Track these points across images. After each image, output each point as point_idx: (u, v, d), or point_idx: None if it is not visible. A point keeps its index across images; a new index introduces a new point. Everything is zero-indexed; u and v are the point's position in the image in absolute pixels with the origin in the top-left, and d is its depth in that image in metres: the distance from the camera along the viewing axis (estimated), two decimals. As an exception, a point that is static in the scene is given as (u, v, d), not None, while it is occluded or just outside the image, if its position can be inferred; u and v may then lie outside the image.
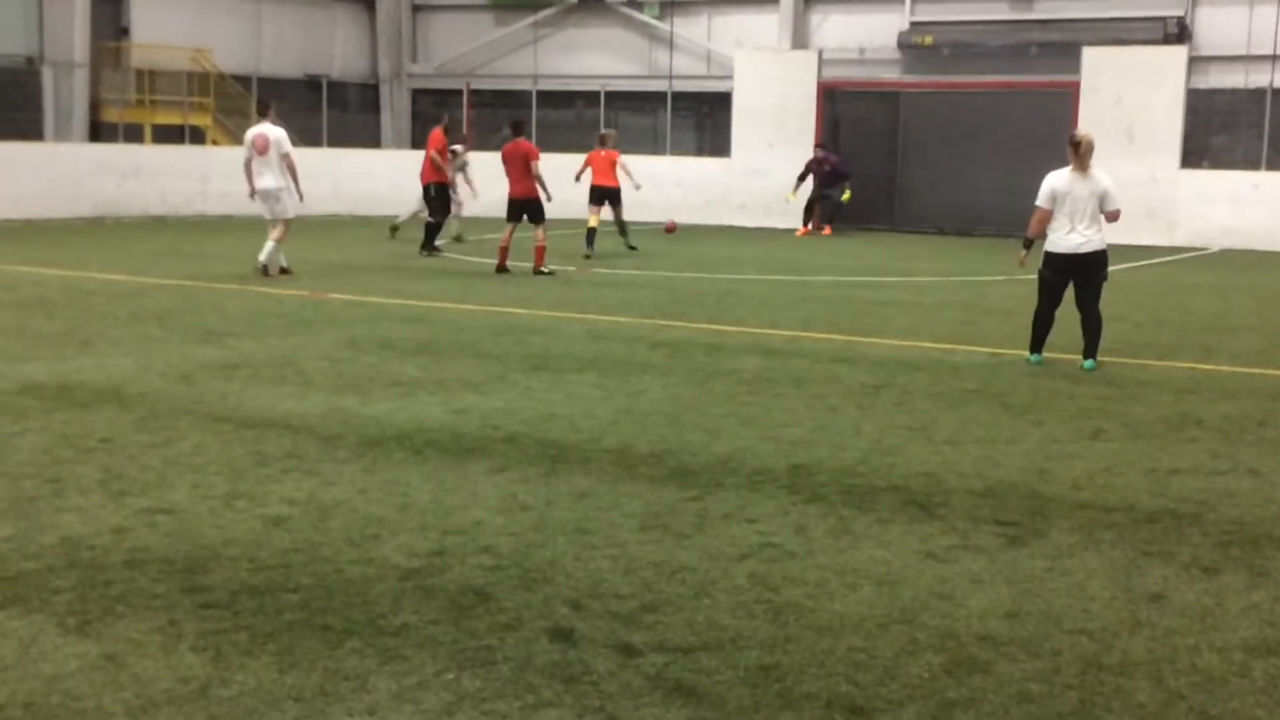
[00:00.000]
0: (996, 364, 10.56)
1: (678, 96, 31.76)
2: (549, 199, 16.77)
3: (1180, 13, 26.91)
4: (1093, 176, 10.22)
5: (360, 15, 34.67)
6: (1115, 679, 4.25)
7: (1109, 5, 27.27)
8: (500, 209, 17.21)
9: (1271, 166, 25.67)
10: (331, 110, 32.69)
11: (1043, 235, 10.46)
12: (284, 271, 15.89)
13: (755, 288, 15.96)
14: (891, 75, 29.37)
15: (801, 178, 26.03)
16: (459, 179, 21.54)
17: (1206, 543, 5.75)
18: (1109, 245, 10.41)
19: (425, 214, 20.34)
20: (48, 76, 27.70)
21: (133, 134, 29.05)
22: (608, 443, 7.43)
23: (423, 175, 20.36)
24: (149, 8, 29.91)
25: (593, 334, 11.73)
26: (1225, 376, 10.20)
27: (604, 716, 3.91)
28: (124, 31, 29.62)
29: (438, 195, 20.11)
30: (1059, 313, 10.45)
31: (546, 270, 16.60)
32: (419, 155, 21.27)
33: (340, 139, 31.51)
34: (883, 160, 28.30)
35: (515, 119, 18.70)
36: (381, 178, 28.98)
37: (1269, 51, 26.08)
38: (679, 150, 31.18)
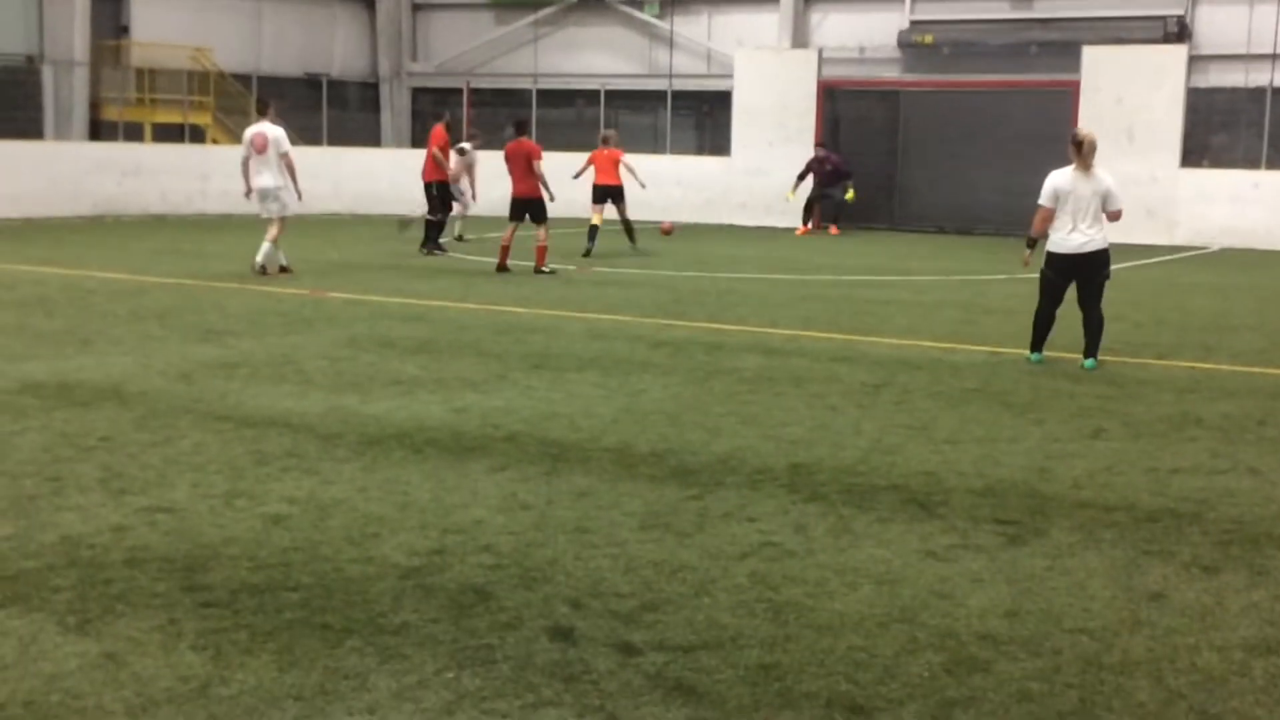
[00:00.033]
0: (997, 363, 10.56)
1: (678, 95, 31.76)
2: (551, 199, 16.78)
3: (1180, 11, 26.91)
4: (1096, 176, 10.21)
5: (360, 14, 34.67)
6: (1115, 678, 4.25)
7: (1109, 4, 27.26)
8: (501, 208, 17.21)
9: (1271, 165, 25.67)
10: (331, 109, 32.69)
11: (1045, 234, 10.46)
12: (283, 270, 15.88)
13: (755, 287, 15.96)
14: (891, 74, 29.38)
15: (801, 176, 26.03)
16: (465, 178, 21.49)
17: (1207, 542, 5.75)
18: (1110, 244, 10.41)
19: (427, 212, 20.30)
20: (48, 75, 27.70)
21: (133, 133, 29.06)
22: (608, 442, 7.43)
23: (424, 173, 20.30)
24: (149, 6, 29.91)
25: (593, 333, 11.73)
26: (1225, 375, 10.20)
27: (604, 715, 3.91)
28: (124, 30, 29.62)
29: (439, 193, 20.08)
30: (1060, 312, 10.45)
31: (547, 269, 16.61)
32: (419, 154, 21.24)
33: (340, 138, 31.52)
34: (883, 159, 28.32)
35: (518, 118, 18.66)
36: (381, 177, 29.00)
37: (1269, 50, 26.08)
38: (679, 149, 31.18)
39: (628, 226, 20.42)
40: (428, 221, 19.99)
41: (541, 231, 16.68)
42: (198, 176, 27.30)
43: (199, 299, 13.60)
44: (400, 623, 4.58)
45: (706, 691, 4.08)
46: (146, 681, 4.07)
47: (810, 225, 26.44)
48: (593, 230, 19.95)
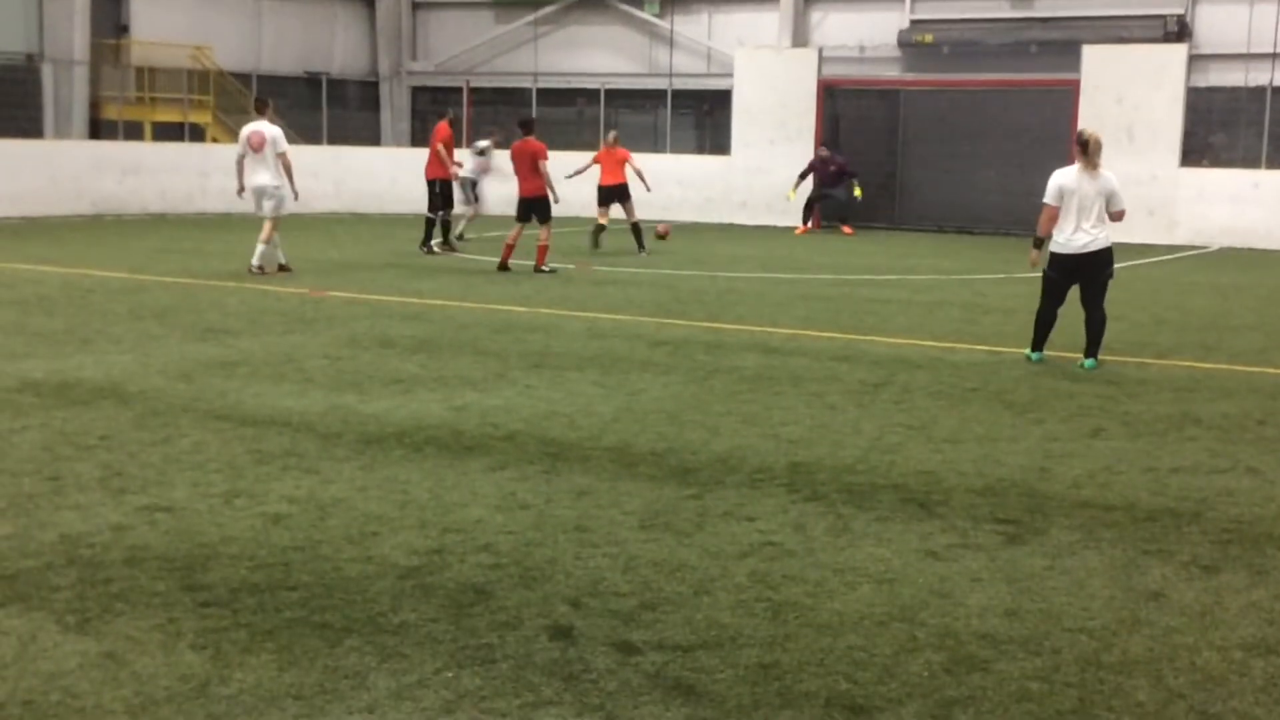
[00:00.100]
0: (996, 362, 10.56)
1: (678, 94, 31.75)
2: (557, 200, 16.78)
3: (1180, 11, 26.90)
4: (1101, 175, 10.21)
5: (360, 12, 34.66)
6: (1115, 677, 4.25)
7: (1109, 3, 27.26)
8: (502, 206, 17.19)
9: (1271, 165, 25.65)
10: (331, 108, 32.68)
11: (1051, 234, 10.44)
12: (283, 268, 15.88)
13: (755, 286, 15.96)
14: (892, 73, 29.37)
15: (803, 176, 26.02)
16: (482, 179, 21.45)
17: (1206, 541, 5.75)
18: (1113, 243, 10.40)
19: (428, 210, 20.27)
20: (48, 74, 27.69)
21: (132, 131, 29.05)
22: (607, 441, 7.43)
23: (428, 170, 20.21)
24: (149, 5, 29.90)
25: (593, 332, 11.73)
26: (1225, 375, 10.20)
27: (603, 715, 3.91)
28: (124, 29, 29.61)
29: (442, 191, 20.04)
30: (1060, 311, 10.44)
31: (547, 269, 16.60)
32: (419, 153, 21.21)
33: (340, 137, 31.51)
34: (883, 158, 28.35)
35: (525, 118, 18.55)
36: (381, 175, 29.01)
37: (1269, 50, 26.07)
38: (679, 148, 31.16)
39: (636, 230, 20.07)
40: (428, 220, 19.98)
41: (544, 231, 16.68)
42: (197, 175, 27.29)
43: (198, 298, 13.60)
44: (399, 622, 4.58)
45: (706, 691, 4.08)
46: (146, 680, 4.07)
47: (810, 225, 26.44)
48: (598, 229, 19.92)
